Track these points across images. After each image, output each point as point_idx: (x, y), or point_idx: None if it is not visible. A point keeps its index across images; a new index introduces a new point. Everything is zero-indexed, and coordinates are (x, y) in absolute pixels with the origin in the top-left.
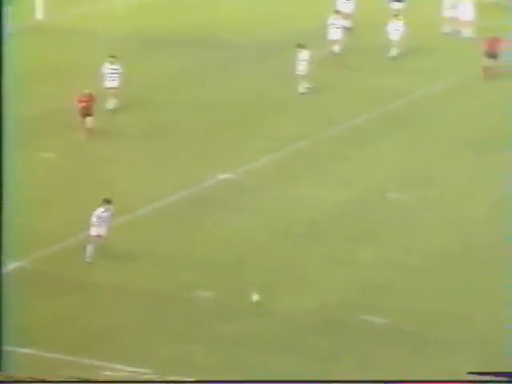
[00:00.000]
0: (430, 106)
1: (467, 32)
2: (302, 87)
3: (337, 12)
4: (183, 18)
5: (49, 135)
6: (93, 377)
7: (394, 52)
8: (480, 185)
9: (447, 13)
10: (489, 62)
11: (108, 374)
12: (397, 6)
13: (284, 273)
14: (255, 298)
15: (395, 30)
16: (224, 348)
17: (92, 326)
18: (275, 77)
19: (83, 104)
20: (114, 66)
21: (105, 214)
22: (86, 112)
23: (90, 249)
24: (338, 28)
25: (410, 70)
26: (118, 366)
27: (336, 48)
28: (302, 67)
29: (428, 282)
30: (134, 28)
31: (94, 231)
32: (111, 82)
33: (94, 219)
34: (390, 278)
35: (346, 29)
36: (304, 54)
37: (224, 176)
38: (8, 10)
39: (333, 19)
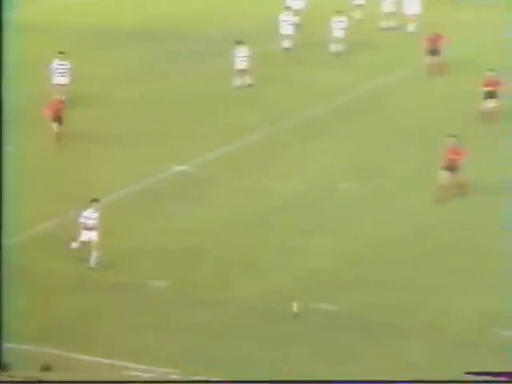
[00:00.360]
0: (376, 99)
1: (412, 27)
2: (241, 81)
3: (287, 8)
4: (140, 12)
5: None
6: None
7: (338, 47)
8: (425, 175)
9: (387, 8)
10: (431, 59)
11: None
12: (358, 1)
13: (238, 262)
14: (295, 308)
15: (339, 25)
16: (180, 336)
17: (50, 316)
18: (229, 70)
19: (54, 109)
20: (63, 62)
21: (94, 215)
22: (57, 117)
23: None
24: (289, 24)
25: (358, 65)
26: (76, 355)
27: (287, 43)
28: (239, 62)
29: (378, 270)
30: (89, 22)
31: (84, 236)
32: (60, 79)
33: (81, 220)
34: (342, 266)
35: (296, 25)
36: (242, 51)
37: (179, 168)
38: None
39: (284, 15)
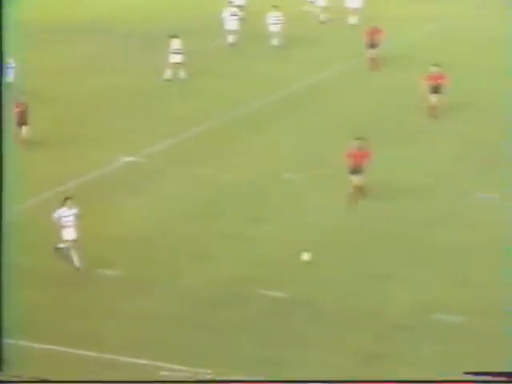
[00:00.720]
0: (319, 91)
1: (354, 19)
2: (174, 74)
3: (230, 3)
4: (82, 7)
5: None
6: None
7: (278, 41)
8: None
9: (321, 2)
10: (370, 53)
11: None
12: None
13: (186, 251)
14: (306, 257)
15: (275, 21)
16: (132, 324)
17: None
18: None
19: (18, 111)
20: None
21: (69, 213)
22: (22, 120)
23: (74, 256)
24: (233, 19)
25: (301, 58)
26: (25, 343)
27: (231, 38)
28: (174, 56)
29: (322, 257)
30: (32, 17)
31: (65, 235)
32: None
33: (56, 218)
34: (288, 254)
35: (240, 19)
36: (176, 44)
37: (128, 159)
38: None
39: (228, 11)
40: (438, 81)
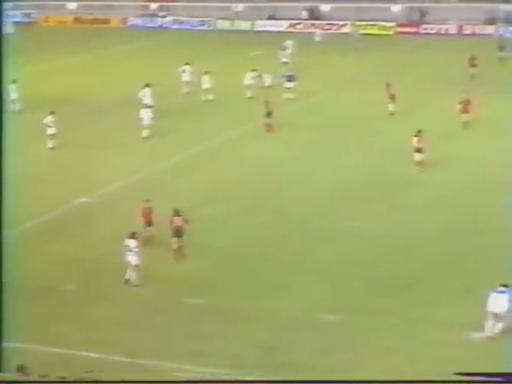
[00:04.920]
0: (230, 145)
1: (248, 93)
2: (49, 144)
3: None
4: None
5: None
6: None
7: (145, 133)
8: (262, 202)
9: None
10: (267, 120)
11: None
12: (289, 84)
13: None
14: None
15: (146, 113)
16: (88, 327)
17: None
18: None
19: (146, 216)
20: None
21: (134, 245)
22: (148, 223)
23: (132, 276)
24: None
25: (213, 121)
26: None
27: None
28: (50, 129)
29: (229, 271)
30: None
31: (126, 258)
32: None
33: (124, 247)
34: (205, 267)
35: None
36: (50, 118)
37: (82, 200)
38: None
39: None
40: (421, 143)
